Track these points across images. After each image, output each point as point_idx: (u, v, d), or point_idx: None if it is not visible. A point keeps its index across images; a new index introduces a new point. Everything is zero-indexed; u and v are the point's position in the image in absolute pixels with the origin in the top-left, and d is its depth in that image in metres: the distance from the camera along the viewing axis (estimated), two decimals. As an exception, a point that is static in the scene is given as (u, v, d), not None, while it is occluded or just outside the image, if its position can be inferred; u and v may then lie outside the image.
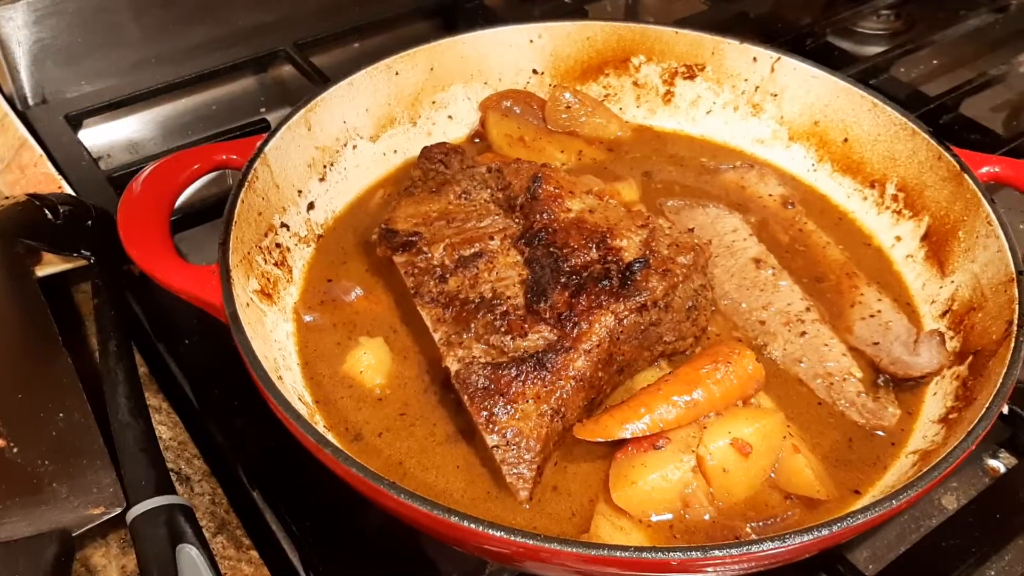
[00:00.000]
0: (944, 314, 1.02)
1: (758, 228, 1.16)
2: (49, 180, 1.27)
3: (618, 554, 0.69)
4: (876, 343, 1.00)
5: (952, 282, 1.02)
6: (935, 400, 0.94)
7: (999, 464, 1.05)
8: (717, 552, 0.69)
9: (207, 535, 0.92)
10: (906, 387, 0.96)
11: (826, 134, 1.22)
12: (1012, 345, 0.84)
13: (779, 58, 1.23)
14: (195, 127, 1.58)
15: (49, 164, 1.29)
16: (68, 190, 1.25)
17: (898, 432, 0.93)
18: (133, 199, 0.97)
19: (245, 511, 0.94)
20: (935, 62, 1.89)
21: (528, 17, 1.75)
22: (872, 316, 1.03)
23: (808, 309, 1.03)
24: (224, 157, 1.04)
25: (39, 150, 1.30)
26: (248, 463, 0.96)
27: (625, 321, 0.93)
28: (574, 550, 0.69)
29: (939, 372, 0.95)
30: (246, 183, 1.00)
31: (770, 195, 1.21)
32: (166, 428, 1.02)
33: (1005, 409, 0.81)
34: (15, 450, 0.90)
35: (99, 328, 0.96)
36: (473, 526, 0.70)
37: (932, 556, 0.90)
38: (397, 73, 1.23)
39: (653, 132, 1.33)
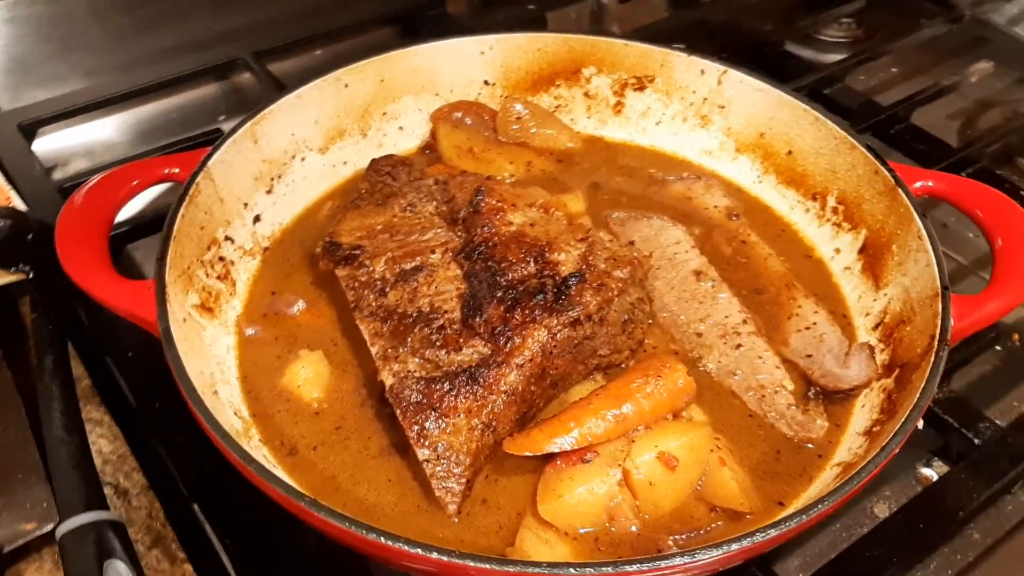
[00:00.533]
0: (876, 327, 1.03)
1: (702, 240, 1.17)
2: (-1, 193, 1.27)
3: (530, 570, 0.70)
4: (809, 355, 1.01)
5: (885, 295, 1.04)
6: (863, 412, 0.95)
7: (932, 472, 1.07)
8: (628, 567, 0.70)
9: (142, 548, 0.93)
10: (836, 399, 0.98)
11: (771, 146, 1.23)
12: (932, 359, 0.85)
13: (726, 71, 1.24)
14: (154, 135, 1.59)
15: (0, 176, 1.30)
16: (17, 201, 1.26)
17: (826, 444, 0.94)
18: (71, 214, 0.97)
19: (182, 525, 0.95)
20: (893, 70, 1.90)
21: (491, 25, 1.77)
22: (808, 328, 1.05)
23: (745, 322, 1.05)
24: (167, 171, 1.05)
25: (-10, 160, 1.31)
26: (188, 477, 0.97)
27: (558, 336, 0.94)
28: (488, 566, 0.70)
29: (867, 385, 0.96)
30: (187, 198, 1.01)
31: (715, 206, 1.22)
32: (106, 441, 1.03)
33: (920, 424, 0.82)
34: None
35: (36, 343, 0.97)
36: (390, 543, 0.71)
37: (859, 564, 0.91)
38: (346, 85, 1.24)
39: (604, 143, 1.34)
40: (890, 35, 1.92)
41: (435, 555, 0.70)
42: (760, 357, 1.01)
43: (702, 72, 1.26)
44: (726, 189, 1.25)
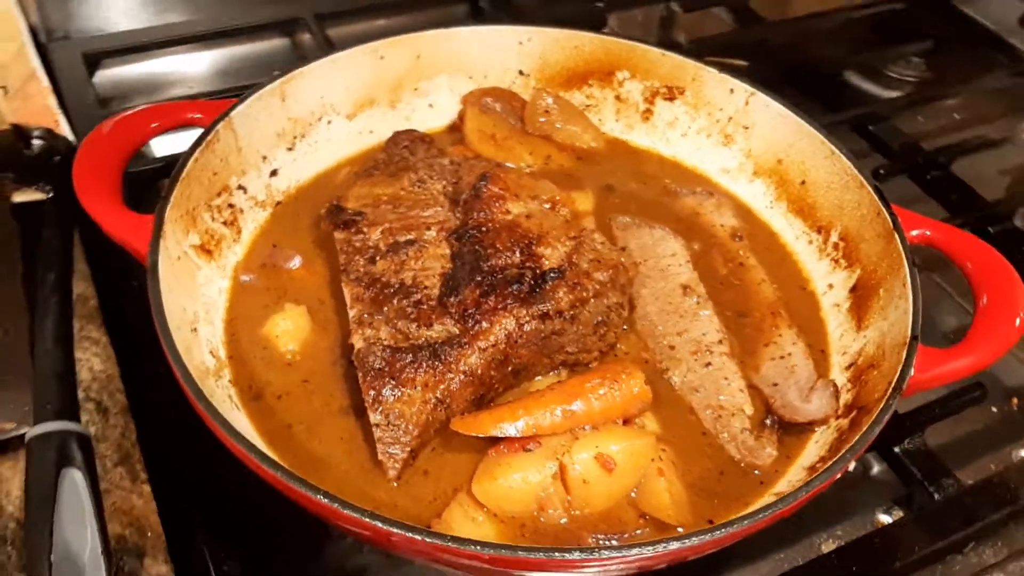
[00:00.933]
0: (849, 367, 1.03)
1: (700, 256, 1.18)
2: (48, 113, 1.35)
3: (440, 541, 0.73)
4: (776, 384, 1.02)
5: (864, 337, 1.03)
6: (815, 448, 0.96)
7: (888, 519, 1.07)
8: (523, 554, 0.72)
9: (109, 464, 0.99)
10: (792, 431, 0.98)
11: (787, 173, 1.23)
12: (880, 407, 0.85)
13: (754, 93, 1.24)
14: (211, 80, 1.66)
15: (52, 98, 1.37)
16: (64, 126, 1.33)
17: (771, 473, 0.95)
18: (93, 144, 1.03)
19: (149, 447, 1.01)
20: (956, 116, 1.87)
21: (550, 15, 1.78)
22: (782, 358, 1.05)
23: (720, 341, 1.05)
24: (190, 116, 1.11)
25: (46, 82, 1.39)
26: (163, 403, 1.02)
27: (526, 327, 0.96)
28: (404, 532, 0.73)
29: (824, 422, 0.97)
30: (203, 143, 1.06)
31: (721, 225, 1.22)
32: (99, 360, 1.09)
33: (851, 466, 0.83)
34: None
35: (43, 258, 1.03)
36: (314, 495, 0.75)
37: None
38: (382, 57, 1.27)
39: (627, 147, 1.36)
40: (956, 80, 1.89)
41: (348, 511, 0.74)
42: (726, 378, 1.02)
43: (731, 91, 1.26)
44: (737, 210, 1.25)
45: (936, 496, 1.04)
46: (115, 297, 1.16)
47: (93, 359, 1.09)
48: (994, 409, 1.31)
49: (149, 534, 0.94)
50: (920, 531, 0.99)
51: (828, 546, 1.05)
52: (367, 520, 0.74)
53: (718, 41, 1.90)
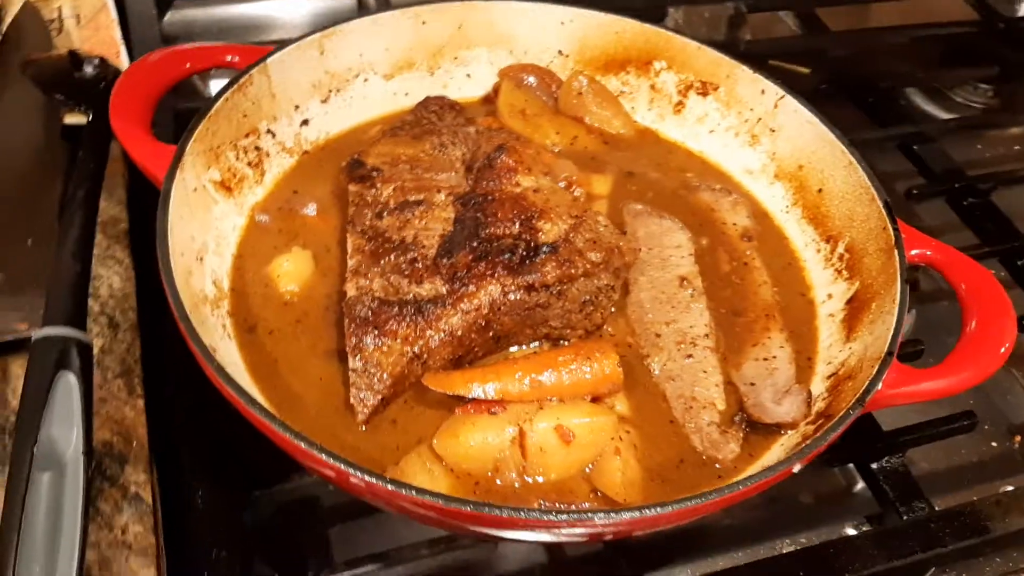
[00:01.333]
0: (830, 376, 1.03)
1: (706, 251, 1.19)
2: (112, 44, 1.42)
3: (388, 487, 0.77)
4: (753, 384, 1.02)
5: (849, 349, 1.03)
6: (779, 451, 0.96)
7: (853, 532, 1.07)
8: (456, 506, 0.75)
9: (110, 375, 1.06)
10: (761, 431, 0.99)
11: (806, 179, 1.22)
12: (836, 419, 0.86)
13: (783, 96, 1.24)
14: (275, 32, 1.72)
15: (118, 31, 1.45)
16: (124, 58, 1.41)
17: (731, 469, 0.96)
18: (133, 75, 1.09)
19: (150, 364, 1.07)
20: (1016, 147, 1.82)
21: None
22: (766, 359, 1.06)
23: (707, 336, 1.06)
24: (228, 58, 1.16)
25: (114, 14, 1.46)
26: (168, 324, 1.08)
27: (510, 295, 0.99)
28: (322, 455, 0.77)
29: (793, 426, 0.97)
30: (236, 85, 1.12)
31: (734, 224, 1.23)
32: (119, 279, 1.16)
33: (796, 468, 0.83)
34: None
35: (75, 176, 1.10)
36: (266, 420, 0.79)
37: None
38: (424, 23, 1.31)
39: (656, 137, 1.36)
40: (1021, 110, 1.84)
41: (303, 444, 0.78)
42: (705, 371, 1.03)
43: (762, 92, 1.26)
44: (752, 211, 1.25)
45: (904, 517, 1.04)
46: (143, 222, 1.22)
47: (114, 277, 1.16)
48: (994, 444, 1.29)
49: (135, 444, 1.00)
50: (876, 548, 0.99)
51: (787, 549, 1.06)
52: (329, 460, 0.77)
53: (779, 45, 1.88)
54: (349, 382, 0.95)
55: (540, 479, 0.92)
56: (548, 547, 1.01)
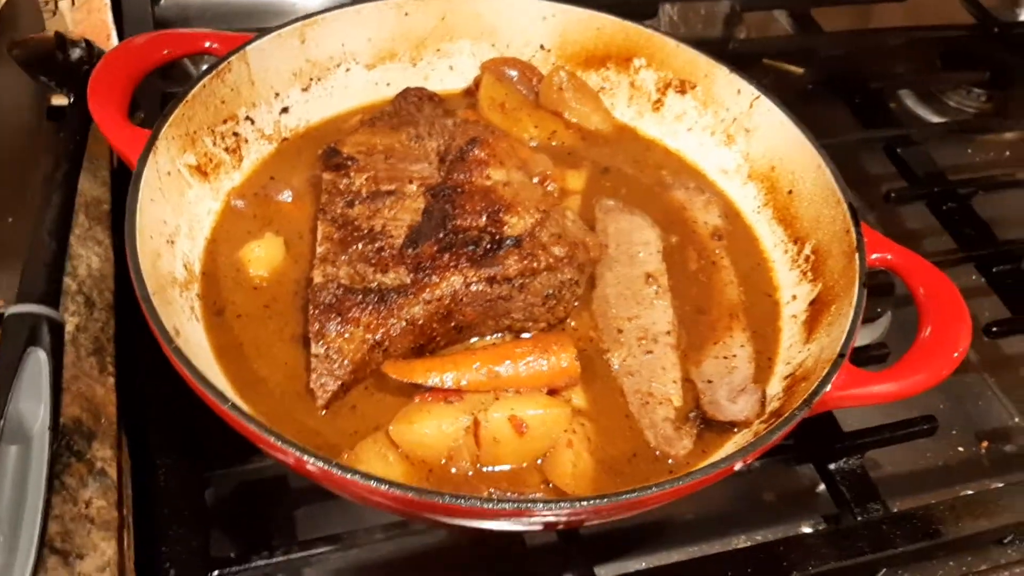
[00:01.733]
0: (787, 377, 1.04)
1: (675, 249, 1.20)
2: (103, 28, 1.44)
3: (339, 472, 0.79)
4: (710, 381, 1.04)
5: (808, 350, 1.05)
6: (731, 448, 0.98)
7: (808, 531, 1.09)
8: (406, 493, 0.77)
9: (83, 353, 1.07)
10: (716, 429, 1.00)
11: (777, 181, 1.23)
12: (782, 419, 0.87)
13: (759, 96, 1.25)
14: (264, 17, 1.73)
15: (109, 14, 1.46)
16: (114, 42, 1.43)
17: (683, 464, 0.97)
18: (112, 59, 1.11)
19: (123, 344, 1.09)
20: (1007, 154, 1.82)
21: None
22: (726, 358, 1.07)
23: (668, 332, 1.08)
24: (207, 44, 1.18)
25: (108, -1, 1.48)
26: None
27: (472, 287, 1.01)
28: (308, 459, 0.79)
29: (746, 425, 0.98)
30: (214, 71, 1.13)
31: (705, 223, 1.24)
32: (98, 260, 1.18)
33: (738, 466, 0.85)
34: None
35: (55, 156, 1.12)
36: (221, 403, 0.82)
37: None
38: (407, 14, 1.32)
39: (634, 134, 1.38)
40: (1016, 116, 1.84)
41: (255, 428, 0.80)
42: (664, 368, 1.05)
43: (738, 92, 1.27)
44: (725, 210, 1.26)
45: (859, 518, 1.05)
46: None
47: (93, 258, 1.18)
48: (960, 448, 1.30)
49: (103, 421, 1.02)
50: (827, 547, 1.00)
51: (741, 544, 1.07)
52: (281, 445, 0.79)
53: (773, 44, 1.89)
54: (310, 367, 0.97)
55: (493, 468, 0.94)
56: (507, 536, 1.03)
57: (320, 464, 0.79)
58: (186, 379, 0.84)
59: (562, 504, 0.79)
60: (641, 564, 1.05)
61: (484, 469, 0.94)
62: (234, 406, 0.82)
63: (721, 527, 1.13)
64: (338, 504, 1.04)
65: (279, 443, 0.79)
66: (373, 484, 0.78)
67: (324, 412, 0.97)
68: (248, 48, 1.17)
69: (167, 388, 1.01)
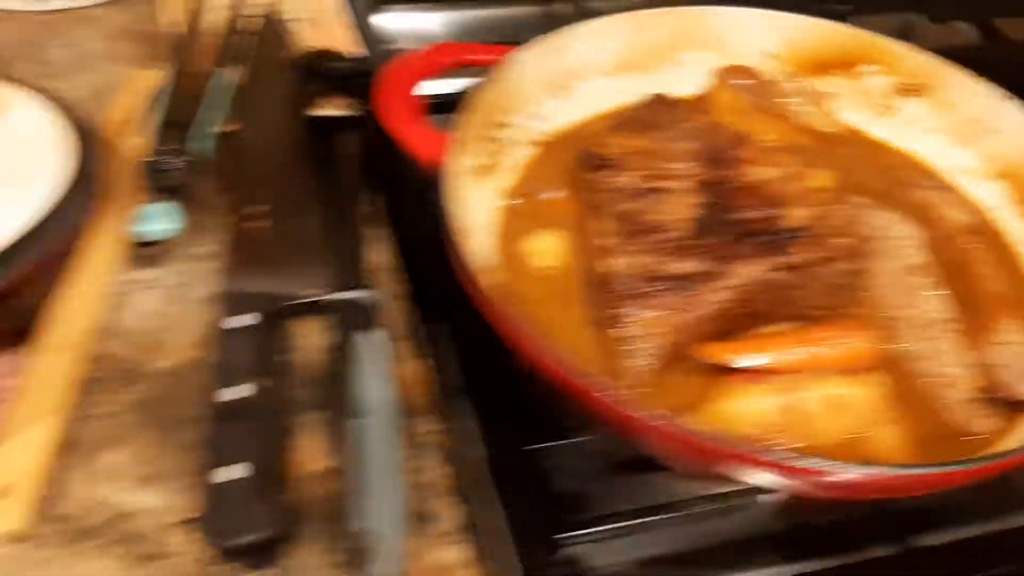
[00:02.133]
0: (1076, 362, 1.06)
1: (930, 244, 1.23)
2: (344, 44, 1.54)
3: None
4: (1006, 365, 1.06)
5: (1095, 336, 1.06)
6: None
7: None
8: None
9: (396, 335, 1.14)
10: (1018, 409, 1.02)
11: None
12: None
13: (1002, 98, 1.28)
14: (467, 38, 1.81)
15: (346, 32, 1.56)
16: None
17: (988, 443, 0.99)
18: (393, 71, 1.19)
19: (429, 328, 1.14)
20: None
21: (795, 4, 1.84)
22: (1007, 344, 1.09)
23: (948, 320, 1.11)
24: (478, 57, 1.25)
25: (345, 17, 1.58)
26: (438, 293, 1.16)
27: (767, 275, 1.05)
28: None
29: (1046, 405, 1.01)
30: (489, 80, 1.21)
31: (953, 220, 1.26)
32: (377, 255, 1.25)
33: None
34: (272, 235, 1.17)
35: (343, 163, 1.20)
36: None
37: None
38: (644, 27, 1.39)
39: (862, 137, 1.41)
40: None
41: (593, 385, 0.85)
42: (953, 352, 1.07)
43: (978, 95, 1.30)
44: (967, 208, 1.29)
45: None
46: (398, 205, 1.31)
47: (383, 255, 1.24)
48: None
49: (420, 398, 1.07)
50: None
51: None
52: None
53: (960, 54, 1.90)
54: (607, 351, 1.02)
55: (807, 447, 0.97)
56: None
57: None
58: (550, 364, 0.89)
59: (912, 469, 0.82)
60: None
61: (803, 444, 0.97)
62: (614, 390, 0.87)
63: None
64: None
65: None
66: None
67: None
68: (515, 58, 1.24)
69: (484, 367, 1.06)
